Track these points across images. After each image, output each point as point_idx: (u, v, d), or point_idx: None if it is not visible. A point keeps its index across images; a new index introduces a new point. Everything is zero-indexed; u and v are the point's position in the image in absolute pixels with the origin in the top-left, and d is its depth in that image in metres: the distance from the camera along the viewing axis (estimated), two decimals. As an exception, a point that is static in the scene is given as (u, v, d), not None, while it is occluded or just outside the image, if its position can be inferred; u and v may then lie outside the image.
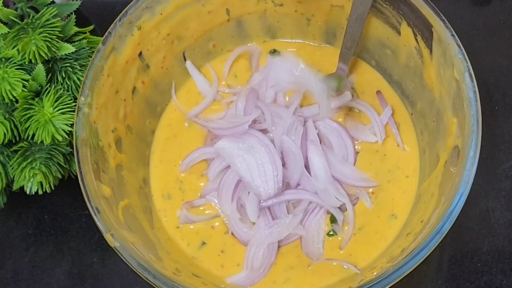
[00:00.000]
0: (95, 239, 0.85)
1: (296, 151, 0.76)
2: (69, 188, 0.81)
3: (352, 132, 0.81)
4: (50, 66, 0.77)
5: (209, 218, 0.79)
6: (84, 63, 0.78)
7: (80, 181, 0.67)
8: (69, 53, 0.76)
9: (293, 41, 0.88)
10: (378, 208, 0.78)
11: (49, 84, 0.77)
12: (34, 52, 0.73)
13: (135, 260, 0.64)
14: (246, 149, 0.76)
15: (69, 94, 0.76)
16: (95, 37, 0.82)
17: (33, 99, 0.75)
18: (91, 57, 0.73)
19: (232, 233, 0.78)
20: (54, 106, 0.74)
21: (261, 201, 0.76)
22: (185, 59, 0.86)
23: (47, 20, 0.75)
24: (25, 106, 0.74)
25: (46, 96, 0.75)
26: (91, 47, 0.79)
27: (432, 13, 0.70)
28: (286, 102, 0.83)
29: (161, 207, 0.80)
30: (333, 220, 0.77)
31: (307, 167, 0.77)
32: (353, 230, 0.77)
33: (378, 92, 0.84)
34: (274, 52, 0.88)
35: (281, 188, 0.76)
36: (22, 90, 0.74)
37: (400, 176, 0.80)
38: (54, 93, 0.75)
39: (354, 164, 0.80)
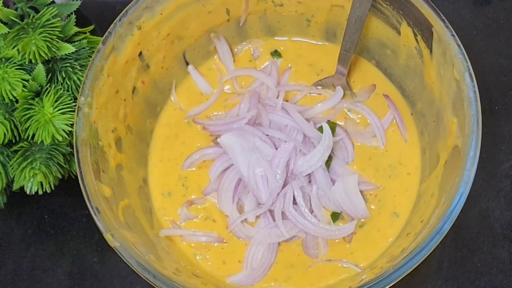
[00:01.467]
0: (95, 239, 0.85)
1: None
2: (69, 188, 0.81)
3: (353, 135, 0.81)
4: (50, 66, 0.77)
5: (209, 218, 0.79)
6: (84, 63, 0.78)
7: (80, 181, 0.67)
8: (69, 53, 0.76)
9: (293, 39, 0.88)
10: (380, 205, 0.78)
11: (49, 84, 0.77)
12: (34, 52, 0.73)
13: (135, 260, 0.64)
14: (250, 148, 0.76)
15: (69, 94, 0.76)
16: (95, 37, 0.81)
17: (33, 99, 0.75)
18: (91, 57, 0.73)
19: (232, 233, 0.78)
20: (54, 106, 0.74)
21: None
22: (187, 64, 0.86)
23: (47, 20, 0.75)
24: (25, 106, 0.74)
25: (46, 96, 0.75)
26: (91, 47, 0.79)
27: (432, 13, 0.70)
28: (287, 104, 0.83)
29: (161, 205, 0.80)
30: (333, 219, 0.77)
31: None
32: (354, 229, 0.77)
33: (386, 95, 0.83)
34: (275, 52, 0.88)
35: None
36: (22, 90, 0.74)
37: (402, 173, 0.79)
38: (54, 93, 0.75)
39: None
